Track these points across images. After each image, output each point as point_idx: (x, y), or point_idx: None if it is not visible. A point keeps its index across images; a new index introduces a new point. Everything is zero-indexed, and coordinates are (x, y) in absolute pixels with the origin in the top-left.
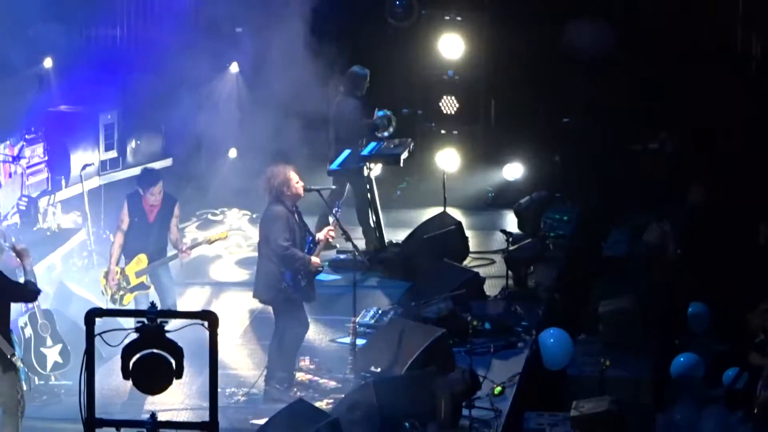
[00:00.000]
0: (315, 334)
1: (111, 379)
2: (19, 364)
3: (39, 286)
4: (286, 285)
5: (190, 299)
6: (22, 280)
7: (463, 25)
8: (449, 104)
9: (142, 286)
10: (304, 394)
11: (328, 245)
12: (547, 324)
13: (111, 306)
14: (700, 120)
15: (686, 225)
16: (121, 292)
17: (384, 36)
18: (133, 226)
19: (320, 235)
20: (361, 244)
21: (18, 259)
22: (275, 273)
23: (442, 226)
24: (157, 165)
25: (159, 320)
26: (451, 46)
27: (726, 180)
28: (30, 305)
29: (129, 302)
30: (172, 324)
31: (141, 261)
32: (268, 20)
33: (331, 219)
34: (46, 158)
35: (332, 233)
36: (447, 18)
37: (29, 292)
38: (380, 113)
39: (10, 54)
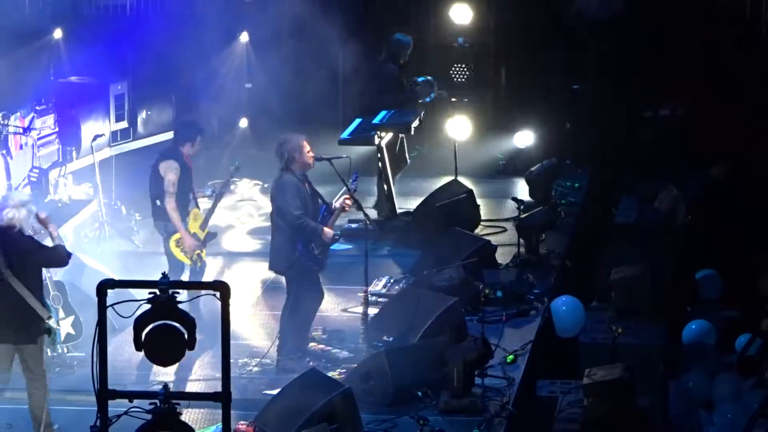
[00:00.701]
0: (327, 303)
1: (123, 351)
2: (55, 326)
3: None
4: (299, 254)
5: None
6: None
7: None
8: (460, 72)
9: (210, 236)
10: (316, 364)
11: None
12: (559, 292)
13: (196, 271)
14: (711, 85)
15: (699, 193)
16: (197, 251)
17: (394, 3)
18: (180, 184)
19: (336, 204)
20: (373, 213)
21: (42, 227)
22: (288, 243)
23: (453, 195)
24: (167, 136)
25: (171, 291)
26: (461, 13)
27: (744, 153)
28: (44, 275)
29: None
30: (184, 295)
31: (197, 215)
32: None
33: (346, 188)
34: (57, 129)
35: (348, 202)
36: None
37: (61, 256)
38: (421, 79)
39: (20, 25)
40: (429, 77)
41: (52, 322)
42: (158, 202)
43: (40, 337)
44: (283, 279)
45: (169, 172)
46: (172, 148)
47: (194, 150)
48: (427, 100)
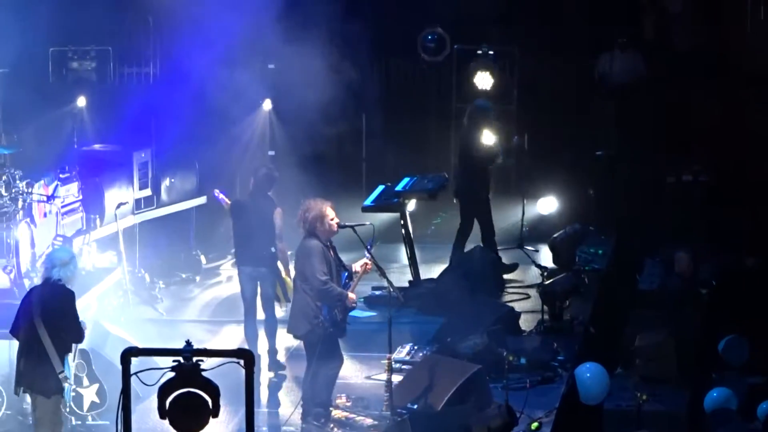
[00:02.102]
0: (351, 371)
1: (148, 419)
2: (65, 384)
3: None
4: (323, 319)
5: (226, 337)
6: None
7: (495, 59)
8: None
9: None
10: (340, 431)
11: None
12: (583, 358)
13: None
14: (734, 150)
15: (725, 264)
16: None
17: (417, 69)
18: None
19: (356, 267)
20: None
21: None
22: (311, 307)
23: (477, 261)
24: (191, 204)
25: (195, 359)
26: (483, 79)
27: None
28: None
29: None
30: (209, 362)
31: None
32: (300, 55)
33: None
34: (81, 197)
35: (368, 266)
36: (479, 52)
37: (81, 333)
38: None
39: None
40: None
41: (62, 377)
42: (272, 249)
43: (53, 395)
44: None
45: (278, 217)
46: (267, 195)
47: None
48: (499, 161)
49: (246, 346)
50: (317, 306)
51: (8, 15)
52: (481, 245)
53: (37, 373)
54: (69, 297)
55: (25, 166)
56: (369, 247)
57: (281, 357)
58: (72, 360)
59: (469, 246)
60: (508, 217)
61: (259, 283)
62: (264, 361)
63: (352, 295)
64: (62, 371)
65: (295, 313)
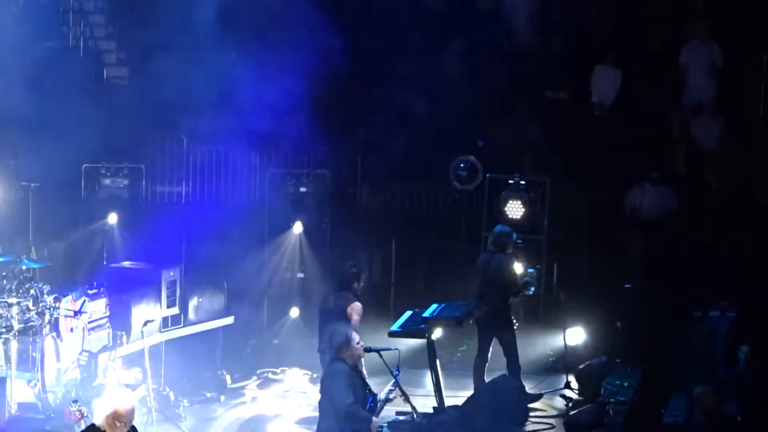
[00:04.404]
0: None
1: None
2: None
3: None
4: None
5: None
6: None
7: (526, 188)
8: None
9: None
10: None
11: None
12: None
13: None
14: (762, 286)
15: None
16: None
17: (449, 195)
18: None
19: (381, 395)
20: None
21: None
22: (335, 430)
23: (502, 389)
24: (218, 323)
25: None
26: (513, 208)
27: None
28: None
29: None
30: None
31: None
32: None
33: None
34: (108, 314)
35: (395, 395)
36: (510, 181)
37: None
38: (531, 270)
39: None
40: (533, 270)
41: None
42: None
43: None
44: None
45: (355, 312)
46: (346, 290)
47: (360, 286)
48: (532, 290)
49: None
50: (341, 430)
51: (42, 130)
52: (506, 374)
53: None
54: None
55: (54, 281)
56: (396, 374)
57: None
58: None
59: (493, 374)
60: (534, 346)
61: None
62: None
63: (376, 420)
64: None
65: None
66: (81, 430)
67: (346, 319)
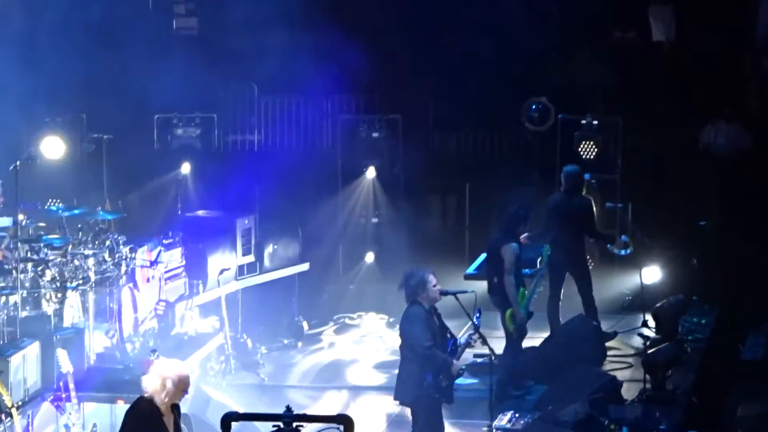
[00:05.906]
0: None
1: None
2: None
3: None
4: (428, 385)
5: (327, 403)
6: None
7: (599, 129)
8: None
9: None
10: None
11: None
12: (686, 428)
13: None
14: None
15: None
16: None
17: (522, 138)
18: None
19: (461, 340)
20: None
21: None
22: (417, 374)
23: (578, 329)
24: (293, 270)
25: (295, 424)
26: (586, 148)
27: None
28: None
29: None
30: (309, 428)
31: (523, 294)
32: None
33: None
34: (184, 263)
35: (474, 338)
36: (583, 122)
37: None
38: (624, 238)
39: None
40: (626, 238)
41: None
42: (495, 279)
43: None
44: (406, 412)
45: (508, 253)
46: (509, 232)
47: (525, 231)
48: (622, 253)
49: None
50: (422, 373)
51: (114, 83)
52: (582, 314)
53: None
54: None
55: (129, 232)
56: (477, 317)
57: (382, 423)
58: None
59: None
60: (611, 285)
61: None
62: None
63: (457, 362)
64: None
65: (402, 380)
66: (130, 404)
67: (501, 260)
